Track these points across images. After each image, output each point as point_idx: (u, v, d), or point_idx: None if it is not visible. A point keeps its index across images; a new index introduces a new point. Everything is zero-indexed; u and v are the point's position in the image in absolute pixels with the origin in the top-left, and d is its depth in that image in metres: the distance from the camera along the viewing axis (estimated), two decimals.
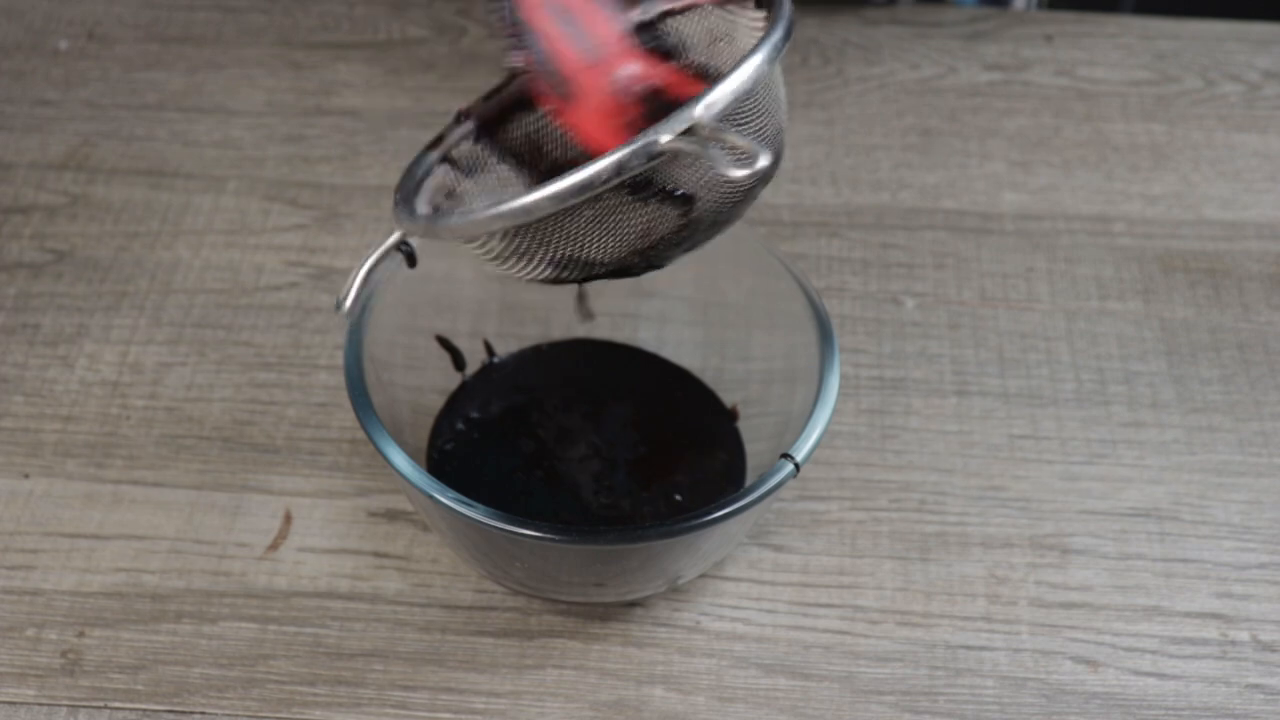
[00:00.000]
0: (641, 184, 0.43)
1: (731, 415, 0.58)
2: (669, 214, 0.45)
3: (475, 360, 0.59)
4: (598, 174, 0.42)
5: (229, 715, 0.51)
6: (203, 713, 0.51)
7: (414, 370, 0.57)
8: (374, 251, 0.49)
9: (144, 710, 0.51)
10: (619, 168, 0.41)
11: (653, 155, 0.41)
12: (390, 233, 0.49)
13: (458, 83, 0.74)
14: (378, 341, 0.52)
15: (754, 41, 0.47)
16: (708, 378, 0.59)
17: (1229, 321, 0.64)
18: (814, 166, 0.71)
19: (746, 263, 0.56)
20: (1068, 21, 0.79)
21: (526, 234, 0.44)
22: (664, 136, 0.41)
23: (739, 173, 0.40)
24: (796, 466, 0.48)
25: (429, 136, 0.51)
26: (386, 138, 0.71)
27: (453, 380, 0.59)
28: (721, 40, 0.50)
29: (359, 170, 0.70)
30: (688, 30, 0.50)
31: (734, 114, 0.43)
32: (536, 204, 0.42)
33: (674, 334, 0.60)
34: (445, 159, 0.51)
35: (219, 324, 0.63)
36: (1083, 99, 0.75)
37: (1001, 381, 0.61)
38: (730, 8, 0.49)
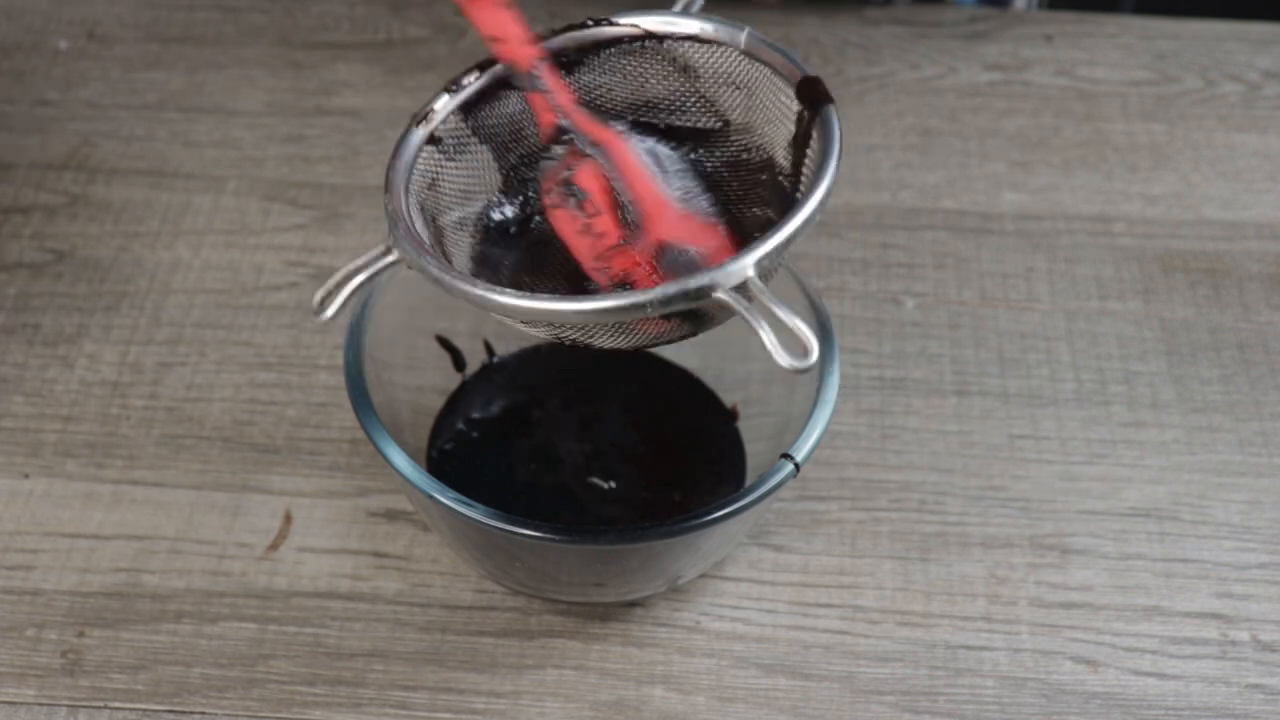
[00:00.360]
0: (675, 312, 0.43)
1: (731, 415, 0.58)
2: (683, 328, 0.45)
3: (475, 360, 0.59)
4: (638, 303, 0.41)
5: (229, 715, 0.51)
6: (203, 713, 0.51)
7: (414, 370, 0.57)
8: (363, 266, 0.45)
9: (144, 710, 0.51)
10: (664, 302, 0.41)
11: (700, 298, 0.41)
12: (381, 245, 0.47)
13: None
14: (378, 341, 0.52)
15: (776, 108, 0.47)
16: (708, 378, 0.59)
17: (1229, 321, 0.64)
18: None
19: None
20: (1068, 21, 0.79)
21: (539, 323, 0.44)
22: (718, 290, 0.41)
23: (790, 363, 0.40)
24: (796, 466, 0.48)
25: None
26: (386, 138, 0.71)
27: (453, 380, 0.58)
28: (738, 89, 0.48)
29: (359, 170, 0.70)
30: (701, 59, 0.49)
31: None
32: (560, 313, 0.42)
33: None
34: (431, 139, 0.48)
35: (219, 324, 0.63)
36: (1083, 99, 0.75)
37: (1001, 381, 0.61)
38: (760, 64, 0.48)
